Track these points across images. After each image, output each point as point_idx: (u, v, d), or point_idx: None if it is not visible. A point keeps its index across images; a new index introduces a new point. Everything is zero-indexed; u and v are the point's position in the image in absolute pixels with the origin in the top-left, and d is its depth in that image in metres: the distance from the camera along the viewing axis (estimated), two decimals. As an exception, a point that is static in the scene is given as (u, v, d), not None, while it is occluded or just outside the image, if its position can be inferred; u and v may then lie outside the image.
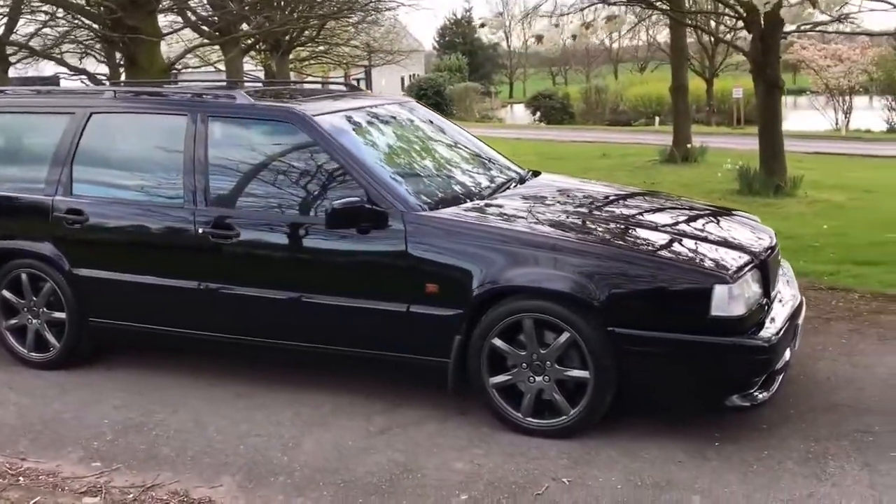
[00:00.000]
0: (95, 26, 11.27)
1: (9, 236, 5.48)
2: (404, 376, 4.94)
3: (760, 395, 4.31)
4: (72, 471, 4.30)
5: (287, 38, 18.59)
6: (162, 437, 4.59)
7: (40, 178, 5.39)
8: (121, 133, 5.48)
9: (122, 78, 17.92)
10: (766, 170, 14.44)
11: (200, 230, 4.91)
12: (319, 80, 24.61)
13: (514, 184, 5.40)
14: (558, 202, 5.20)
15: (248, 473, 4.20)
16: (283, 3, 16.49)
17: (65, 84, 16.55)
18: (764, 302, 4.46)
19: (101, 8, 10.81)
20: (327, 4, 17.56)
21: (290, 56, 21.58)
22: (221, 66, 18.69)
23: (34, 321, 5.48)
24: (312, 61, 25.39)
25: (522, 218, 4.78)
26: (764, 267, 4.57)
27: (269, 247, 4.89)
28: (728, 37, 18.16)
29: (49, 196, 5.33)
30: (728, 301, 4.13)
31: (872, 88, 33.81)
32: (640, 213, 5.10)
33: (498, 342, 4.41)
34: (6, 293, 5.51)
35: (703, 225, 5.00)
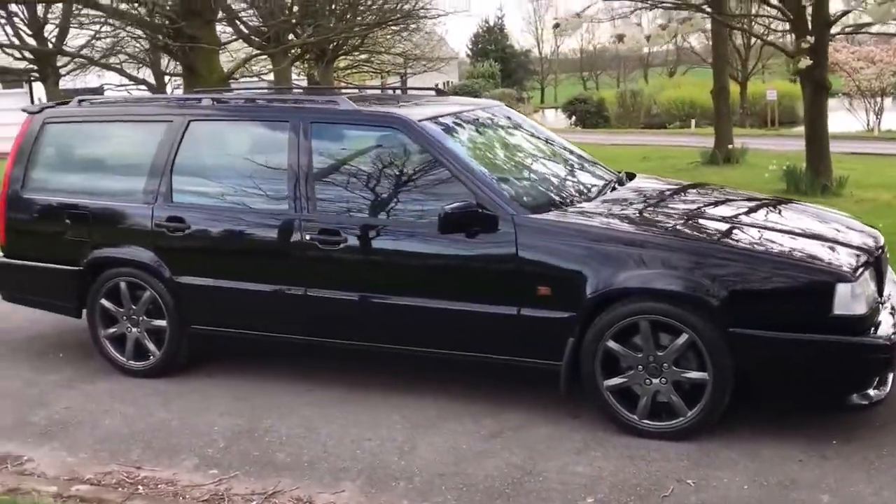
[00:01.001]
0: (158, 36, 11.36)
1: (106, 245, 5.46)
2: (503, 379, 4.92)
3: (875, 394, 4.24)
4: (189, 479, 4.27)
5: (331, 46, 18.64)
6: (275, 444, 4.55)
7: (138, 187, 5.38)
8: (221, 140, 5.46)
9: (169, 87, 18.07)
10: (812, 170, 14.36)
11: (307, 236, 4.87)
12: (355, 86, 24.65)
13: (613, 185, 5.32)
14: (664, 203, 5.12)
15: (369, 478, 4.15)
16: (328, 12, 16.53)
17: (108, 94, 16.68)
18: (880, 301, 4.38)
19: (162, 18, 10.92)
20: (374, 12, 17.61)
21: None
22: (266, 77, 18.77)
23: (133, 329, 5.47)
24: (353, 70, 25.46)
25: (633, 219, 4.71)
26: (878, 265, 4.49)
27: (376, 252, 4.85)
28: (770, 38, 18.03)
29: (148, 204, 5.31)
30: (850, 300, 4.05)
31: (886, 90, 33.68)
32: (749, 213, 5.01)
33: (612, 344, 4.35)
34: (105, 302, 5.50)
35: (814, 224, 4.90)
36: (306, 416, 4.85)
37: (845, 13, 14.71)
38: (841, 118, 32.00)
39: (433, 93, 6.10)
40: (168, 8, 11.01)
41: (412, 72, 27.48)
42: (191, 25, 10.46)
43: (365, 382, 5.23)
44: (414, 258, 4.76)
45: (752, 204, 5.32)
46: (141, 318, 5.43)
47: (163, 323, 5.37)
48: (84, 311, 5.71)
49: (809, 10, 13.78)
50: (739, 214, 4.96)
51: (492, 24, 56.43)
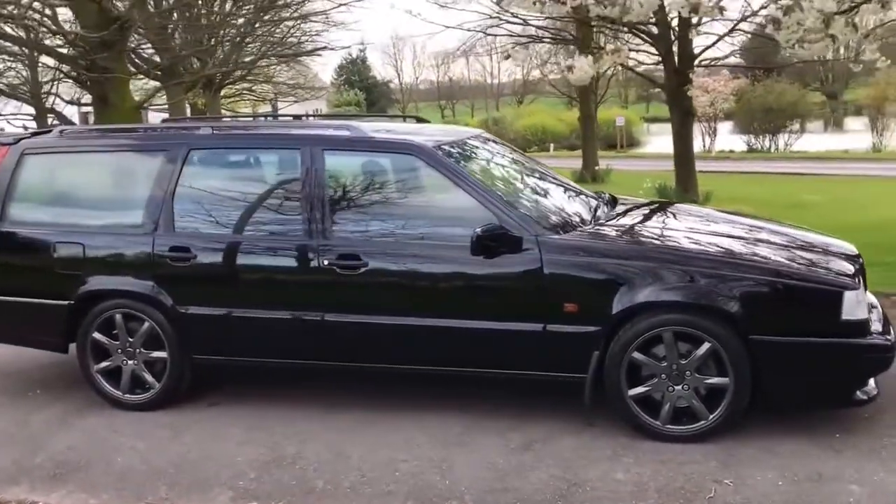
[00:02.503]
0: (65, 67, 10.73)
1: (100, 277, 4.98)
2: (519, 393, 4.83)
3: (870, 389, 4.37)
4: (231, 512, 3.94)
5: (219, 76, 18.00)
6: (308, 470, 4.25)
7: (136, 217, 4.94)
8: (225, 169, 5.10)
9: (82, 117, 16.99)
10: (681, 186, 14.96)
11: (325, 262, 4.59)
12: (234, 115, 23.94)
13: (608, 207, 5.24)
14: (668, 222, 5.12)
15: (418, 500, 3.92)
16: (216, 42, 16.00)
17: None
18: (873, 305, 4.52)
19: (77, 50, 10.33)
20: (262, 42, 17.17)
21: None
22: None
23: (129, 362, 5.01)
24: (236, 98, 24.76)
25: (650, 236, 4.69)
26: (863, 274, 4.62)
27: (399, 275, 4.61)
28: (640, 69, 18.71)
29: (148, 234, 4.89)
30: (855, 305, 4.15)
31: (718, 115, 35.71)
32: (748, 230, 5.01)
33: (637, 355, 4.29)
34: (97, 335, 5.02)
35: (806, 239, 4.98)
36: (330, 440, 4.56)
37: (707, 48, 15.44)
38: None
39: (304, 119, 5.81)
40: (77, 38, 10.38)
41: (293, 100, 26.88)
42: (106, 57, 9.91)
43: (380, 403, 4.97)
44: (437, 280, 4.57)
45: (746, 221, 5.32)
46: (138, 350, 4.98)
47: (163, 354, 4.94)
48: (71, 346, 5.21)
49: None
50: (742, 231, 4.97)
51: (354, 56, 56.26)
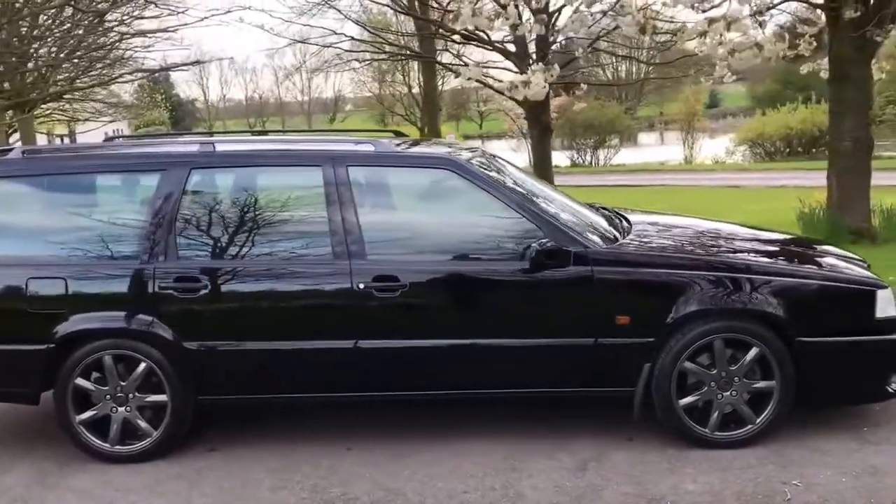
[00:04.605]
0: None
1: (88, 315, 4.36)
2: (541, 413, 4.72)
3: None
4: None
5: (33, 95, 16.48)
6: (369, 512, 3.90)
7: (131, 246, 4.37)
8: (235, 189, 4.59)
9: None
10: (543, 202, 15.26)
11: (361, 285, 4.24)
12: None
13: (624, 219, 5.12)
14: (693, 232, 5.09)
15: (506, 532, 3.69)
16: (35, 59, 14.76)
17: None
18: None
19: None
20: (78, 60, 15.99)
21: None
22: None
23: (119, 409, 4.41)
24: (45, 118, 22.85)
25: (692, 246, 4.66)
26: None
27: (441, 295, 4.33)
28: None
29: (147, 264, 4.34)
30: (887, 304, 4.31)
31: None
32: (766, 240, 5.09)
33: (688, 364, 4.25)
34: (81, 381, 4.40)
35: (818, 244, 5.13)
36: (372, 477, 4.19)
37: (567, 63, 15.87)
38: (509, 157, 34.50)
39: (115, 142, 5.53)
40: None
41: (107, 119, 25.18)
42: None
43: (400, 433, 4.65)
44: (482, 298, 4.34)
45: (758, 234, 5.32)
46: (131, 394, 4.41)
47: (161, 397, 4.39)
48: (41, 397, 4.55)
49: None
50: (761, 241, 5.05)
51: (156, 73, 53.54)
